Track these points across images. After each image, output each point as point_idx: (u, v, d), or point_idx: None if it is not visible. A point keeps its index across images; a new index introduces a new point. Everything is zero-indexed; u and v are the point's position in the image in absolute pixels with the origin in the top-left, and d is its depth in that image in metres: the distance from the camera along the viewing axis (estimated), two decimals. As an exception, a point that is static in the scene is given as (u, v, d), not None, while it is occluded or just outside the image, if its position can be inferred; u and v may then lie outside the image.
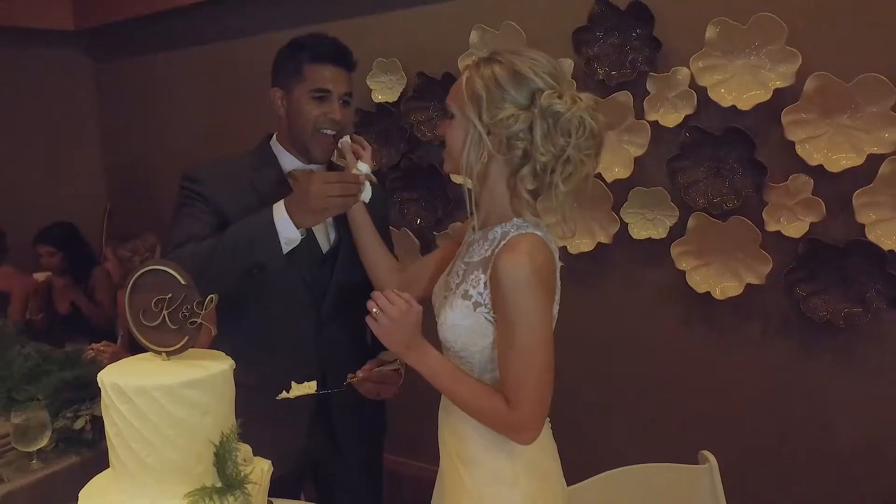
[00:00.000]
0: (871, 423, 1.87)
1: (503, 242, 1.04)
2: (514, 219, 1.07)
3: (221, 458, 0.82)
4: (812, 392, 1.94)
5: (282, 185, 1.34)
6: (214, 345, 1.37)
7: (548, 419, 1.22)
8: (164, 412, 0.81)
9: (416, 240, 2.54)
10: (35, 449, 1.54)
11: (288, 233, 1.18)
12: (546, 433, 1.21)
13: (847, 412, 1.90)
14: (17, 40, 3.46)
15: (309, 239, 1.34)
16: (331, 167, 1.43)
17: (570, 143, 1.01)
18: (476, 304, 1.06)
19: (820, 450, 1.95)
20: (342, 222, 1.39)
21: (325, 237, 1.40)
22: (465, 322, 1.07)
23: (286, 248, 1.19)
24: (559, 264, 1.09)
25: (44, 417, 1.55)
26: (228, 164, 1.41)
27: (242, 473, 0.84)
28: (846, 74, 1.73)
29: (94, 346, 2.21)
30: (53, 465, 1.55)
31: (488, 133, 1.01)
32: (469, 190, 1.06)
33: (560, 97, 1.01)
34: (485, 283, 1.05)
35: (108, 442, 0.85)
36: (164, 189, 3.50)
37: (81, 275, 3.21)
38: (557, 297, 1.10)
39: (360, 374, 1.29)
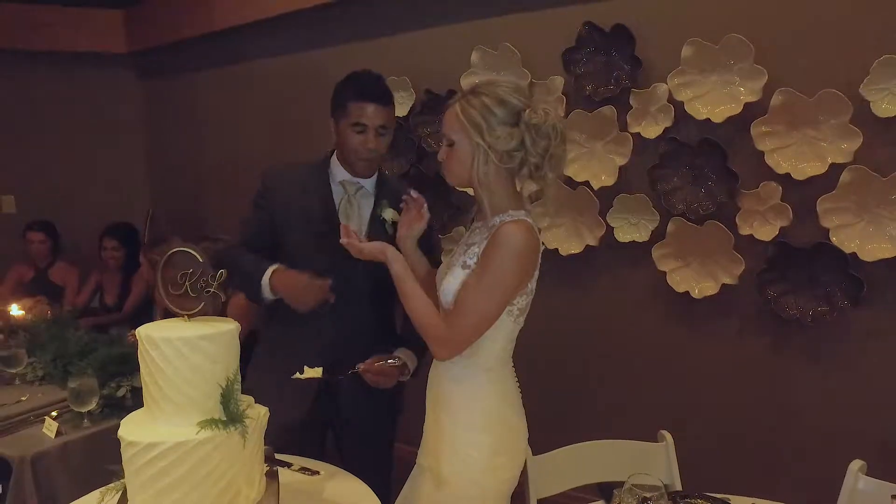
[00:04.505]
0: (835, 411, 1.99)
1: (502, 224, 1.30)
2: (510, 210, 1.31)
3: (226, 398, 1.06)
4: (782, 383, 2.07)
5: (323, 191, 1.66)
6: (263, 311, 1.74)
7: (518, 387, 1.43)
8: (184, 358, 1.05)
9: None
10: (86, 410, 1.84)
11: (265, 292, 1.58)
12: (516, 396, 1.42)
13: (813, 402, 2.02)
14: (76, 63, 3.87)
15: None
16: (380, 178, 1.72)
17: (551, 144, 1.27)
18: (467, 268, 1.30)
19: (788, 436, 2.08)
20: (373, 228, 1.65)
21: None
22: (459, 285, 1.31)
23: (266, 300, 1.59)
24: (542, 247, 1.35)
25: (93, 384, 1.84)
26: (297, 169, 1.72)
27: (242, 410, 1.07)
28: (809, 90, 1.87)
29: (134, 331, 2.50)
30: (100, 425, 1.85)
31: (490, 149, 1.27)
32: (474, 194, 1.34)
33: (535, 112, 1.27)
34: (480, 251, 1.29)
35: (142, 381, 1.10)
36: (205, 196, 3.83)
37: (130, 273, 3.54)
38: (536, 273, 1.34)
39: (361, 366, 1.52)
